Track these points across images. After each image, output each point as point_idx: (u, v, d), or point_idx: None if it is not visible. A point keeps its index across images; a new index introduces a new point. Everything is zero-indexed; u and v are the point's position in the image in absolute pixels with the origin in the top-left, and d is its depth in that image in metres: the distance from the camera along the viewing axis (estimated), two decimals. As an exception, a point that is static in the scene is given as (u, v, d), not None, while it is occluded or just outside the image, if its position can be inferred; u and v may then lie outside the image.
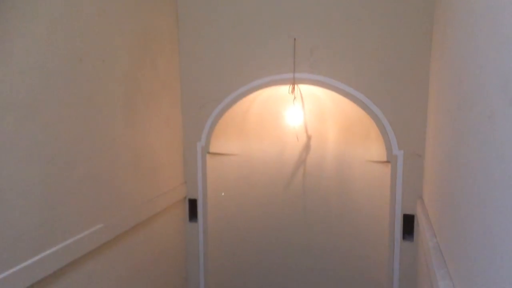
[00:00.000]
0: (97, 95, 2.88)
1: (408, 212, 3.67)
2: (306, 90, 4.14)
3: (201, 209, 4.21)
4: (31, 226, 2.32)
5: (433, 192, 2.87)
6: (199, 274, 4.28)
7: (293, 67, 3.83)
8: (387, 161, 3.74)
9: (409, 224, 3.69)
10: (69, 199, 2.62)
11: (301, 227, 4.57)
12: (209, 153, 4.19)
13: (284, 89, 4.05)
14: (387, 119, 3.64)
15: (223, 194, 4.21)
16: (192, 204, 4.25)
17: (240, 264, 4.61)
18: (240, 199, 4.54)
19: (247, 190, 4.56)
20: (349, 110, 4.00)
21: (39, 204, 2.38)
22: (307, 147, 4.46)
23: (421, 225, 3.15)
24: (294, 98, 4.07)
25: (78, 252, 2.68)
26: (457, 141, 2.00)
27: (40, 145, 2.40)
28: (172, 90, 4.02)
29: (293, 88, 3.90)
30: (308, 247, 4.56)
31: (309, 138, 4.42)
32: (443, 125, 2.53)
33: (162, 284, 3.90)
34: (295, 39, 3.81)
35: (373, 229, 4.07)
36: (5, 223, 2.17)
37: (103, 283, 3.01)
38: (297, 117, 4.20)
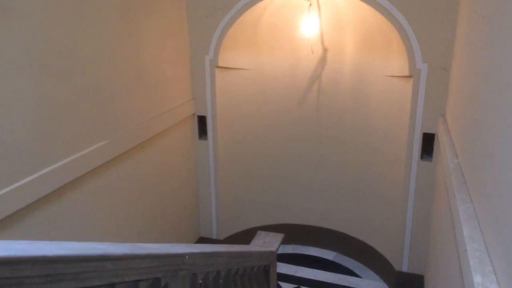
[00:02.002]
0: (90, 0, 2.61)
1: (429, 130, 3.46)
2: (324, -4, 3.74)
3: (211, 126, 4.07)
4: (25, 142, 2.21)
5: (458, 109, 2.63)
6: (210, 191, 4.27)
7: (309, -31, 3.42)
8: (409, 76, 3.45)
9: (428, 143, 3.49)
10: (66, 113, 2.48)
11: (314, 144, 4.43)
12: (218, 67, 3.95)
13: (299, -5, 3.66)
14: (412, 28, 3.28)
15: None
16: (201, 121, 4.10)
17: (251, 181, 4.57)
18: (251, 115, 4.37)
19: (259, 107, 4.37)
20: (370, 19, 3.63)
21: (32, 118, 2.25)
22: (322, 60, 4.16)
23: (442, 145, 2.95)
24: (310, 5, 3.69)
25: (81, 169, 2.60)
26: (491, 52, 1.73)
27: (30, 54, 2.20)
28: (176, -3, 3.68)
29: (309, -6, 3.52)
30: (322, 164, 4.46)
31: (325, 50, 4.10)
32: (476, 34, 2.21)
33: (174, 201, 3.90)
34: None
35: (389, 148, 3.90)
36: (-4, 140, 2.05)
37: (111, 200, 2.98)
38: (312, 26, 3.85)
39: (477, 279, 1.34)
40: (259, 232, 3.08)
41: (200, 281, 1.94)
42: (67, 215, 2.56)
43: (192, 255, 1.67)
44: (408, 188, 3.63)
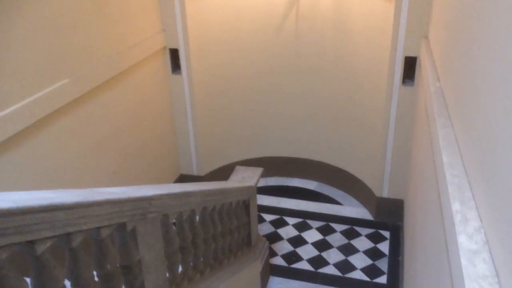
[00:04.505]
0: None
1: (411, 54, 3.31)
2: None
3: (184, 59, 3.85)
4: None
5: (441, 30, 2.48)
6: (188, 127, 4.14)
7: None
8: (391, -4, 3.24)
9: (410, 67, 3.36)
10: (19, 53, 2.27)
11: (294, 73, 4.26)
12: (187, -6, 3.65)
13: None
14: None
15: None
16: (174, 54, 3.87)
17: (230, 115, 4.44)
18: (226, 46, 4.14)
19: (234, 36, 4.12)
20: None
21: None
22: (300, -18, 3.87)
23: (424, 68, 2.83)
24: None
25: (42, 111, 2.43)
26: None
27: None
28: None
29: None
30: (302, 94, 4.33)
31: (302, -29, 3.81)
32: None
33: (150, 139, 3.77)
34: None
35: (371, 74, 3.77)
36: None
37: (80, 141, 2.84)
38: None
39: (455, 206, 1.29)
40: (237, 167, 3.02)
41: (174, 221, 1.88)
42: (32, 160, 2.43)
43: (159, 197, 1.58)
44: (389, 115, 3.56)
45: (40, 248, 1.12)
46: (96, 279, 1.42)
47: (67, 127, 2.69)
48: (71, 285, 1.32)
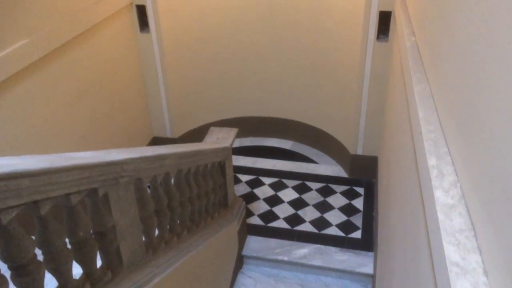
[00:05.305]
0: None
1: (386, 8, 3.25)
2: None
3: (152, 16, 3.67)
4: None
5: (417, -18, 2.42)
6: (159, 88, 4.01)
7: None
8: None
9: (385, 22, 3.31)
10: (-31, 10, 2.10)
11: (267, 30, 4.14)
12: None
13: None
14: None
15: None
16: (141, 11, 3.68)
17: (202, 75, 4.32)
18: (196, 2, 3.97)
19: (204, -8, 3.95)
20: None
21: None
22: None
23: (399, 23, 2.78)
24: None
25: (1, 75, 2.28)
26: None
27: None
28: None
29: None
30: (276, 52, 4.23)
31: None
32: None
33: (120, 102, 3.65)
34: None
35: (345, 30, 3.70)
36: None
37: (45, 105, 2.71)
38: None
39: (431, 161, 1.28)
40: (211, 128, 2.96)
41: (149, 185, 1.83)
42: (-5, 126, 2.31)
43: (131, 160, 1.53)
44: (363, 72, 3.53)
45: (6, 218, 1.06)
46: (69, 246, 1.38)
47: (29, 91, 2.55)
48: (42, 253, 1.28)
